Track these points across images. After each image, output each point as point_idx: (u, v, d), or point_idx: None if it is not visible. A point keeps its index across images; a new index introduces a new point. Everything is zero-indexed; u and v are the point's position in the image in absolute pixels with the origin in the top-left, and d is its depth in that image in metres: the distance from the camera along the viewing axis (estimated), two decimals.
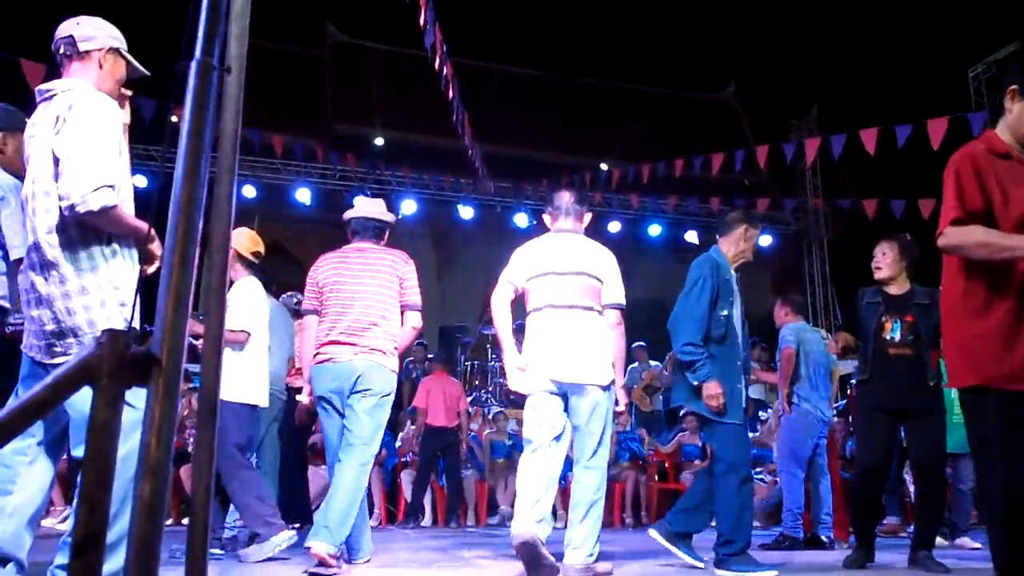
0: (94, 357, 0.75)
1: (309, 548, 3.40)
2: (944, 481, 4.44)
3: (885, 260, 4.15)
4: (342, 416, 3.64)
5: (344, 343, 3.64)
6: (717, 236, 4.06)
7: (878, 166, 9.71)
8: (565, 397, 3.48)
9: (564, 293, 3.51)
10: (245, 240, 4.45)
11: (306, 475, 6.08)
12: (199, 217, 0.89)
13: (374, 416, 3.60)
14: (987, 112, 10.54)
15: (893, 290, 4.15)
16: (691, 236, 13.50)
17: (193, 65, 0.95)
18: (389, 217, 4.14)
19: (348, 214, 4.13)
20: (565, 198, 3.76)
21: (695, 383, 3.66)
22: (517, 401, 9.97)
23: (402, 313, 3.86)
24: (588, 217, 3.82)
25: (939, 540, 5.35)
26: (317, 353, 3.73)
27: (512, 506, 7.84)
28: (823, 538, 5.29)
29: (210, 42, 0.96)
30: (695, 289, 3.74)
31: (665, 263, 14.48)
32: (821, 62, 13.37)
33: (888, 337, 4.03)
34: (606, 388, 3.46)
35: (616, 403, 3.57)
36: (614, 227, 13.15)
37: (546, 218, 3.85)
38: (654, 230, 13.38)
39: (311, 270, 4.02)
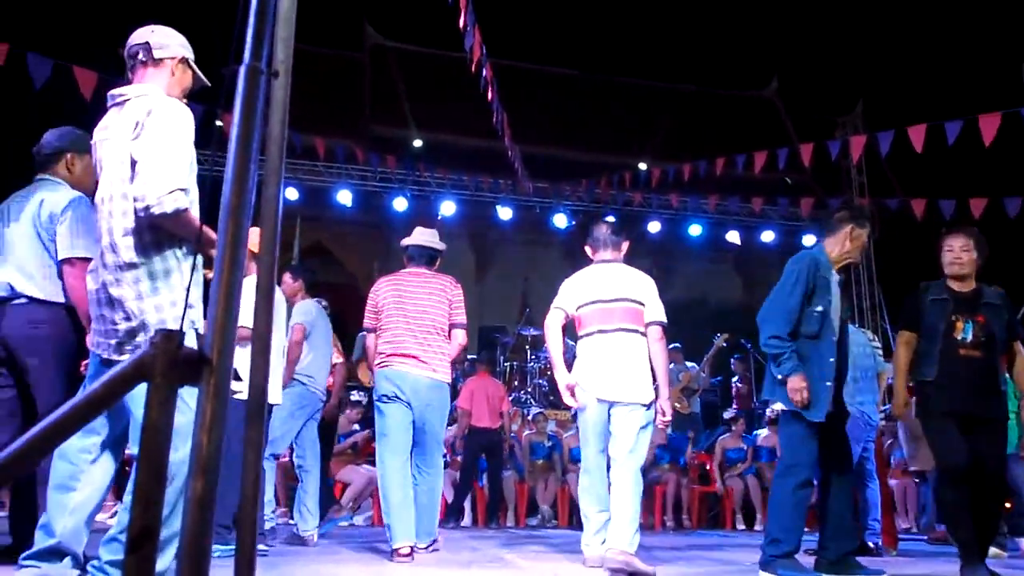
0: (148, 356, 0.77)
1: (403, 548, 4.00)
2: (1005, 491, 4.24)
3: (968, 256, 3.83)
4: (408, 406, 4.20)
5: (408, 355, 4.21)
6: (824, 236, 3.97)
7: (927, 164, 9.46)
8: (610, 412, 3.88)
9: (611, 319, 3.94)
10: (256, 238, 4.51)
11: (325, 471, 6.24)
12: (248, 220, 0.91)
13: (441, 425, 4.34)
14: None
15: (961, 287, 3.86)
16: (732, 236, 13.31)
17: (242, 70, 0.97)
18: (441, 246, 4.57)
19: (405, 241, 4.59)
20: (603, 230, 4.20)
21: (779, 376, 3.60)
22: (556, 402, 9.95)
23: (450, 330, 4.39)
24: (626, 245, 4.21)
25: (995, 550, 5.19)
26: (382, 363, 4.28)
27: (552, 507, 7.92)
28: (870, 544, 5.17)
29: (258, 46, 0.97)
30: (788, 283, 3.70)
31: (705, 263, 14.34)
32: (866, 57, 13.11)
33: (959, 338, 3.74)
34: (647, 406, 3.86)
35: (663, 413, 3.95)
36: (654, 227, 13.03)
37: (587, 250, 4.25)
38: (694, 230, 13.21)
39: (371, 292, 4.50)
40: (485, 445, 7.49)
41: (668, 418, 4.01)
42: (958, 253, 3.85)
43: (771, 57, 14.45)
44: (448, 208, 12.59)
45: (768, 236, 13.34)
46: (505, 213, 12.75)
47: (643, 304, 3.97)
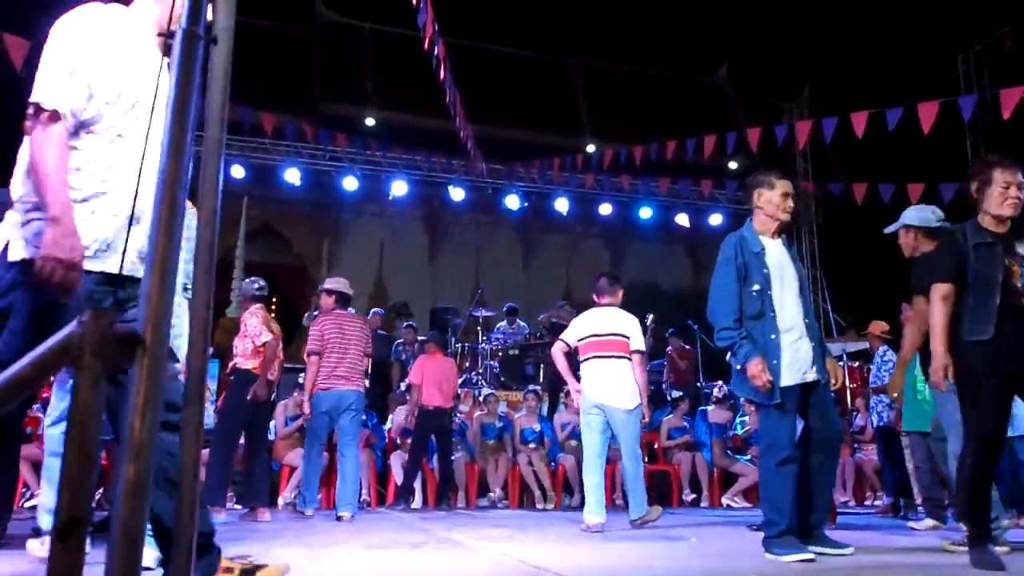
0: (76, 335, 0.73)
1: (340, 517, 5.66)
2: None
3: None
4: (335, 416, 6.02)
5: (343, 377, 6.00)
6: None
7: (868, 150, 9.70)
8: (606, 415, 5.32)
9: (605, 348, 5.42)
10: None
11: (262, 458, 6.21)
12: (184, 194, 0.87)
13: (358, 424, 6.21)
14: (976, 96, 10.54)
15: (999, 228, 3.32)
16: (682, 219, 13.49)
17: (178, 34, 0.92)
18: (352, 291, 6.47)
19: (329, 287, 6.33)
20: (603, 283, 5.67)
21: (738, 367, 3.52)
22: (507, 383, 9.99)
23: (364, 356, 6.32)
24: (621, 292, 5.66)
25: (931, 523, 5.37)
26: (325, 383, 5.96)
27: (502, 488, 7.96)
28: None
29: (196, 11, 0.92)
30: (720, 272, 3.65)
31: (656, 245, 14.50)
32: (813, 44, 13.35)
33: (1020, 285, 3.18)
34: (633, 410, 5.31)
35: (644, 416, 5.50)
36: (605, 209, 13.11)
37: (595, 296, 5.71)
38: (645, 213, 13.34)
39: (317, 324, 6.19)
40: (435, 426, 7.44)
41: (647, 420, 5.79)
42: (1017, 192, 3.30)
43: (721, 42, 14.61)
44: (399, 188, 12.44)
45: (716, 219, 13.56)
46: (457, 194, 12.67)
47: (628, 337, 5.45)
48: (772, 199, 3.76)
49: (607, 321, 5.52)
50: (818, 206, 14.31)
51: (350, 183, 12.29)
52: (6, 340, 1.89)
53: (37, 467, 6.50)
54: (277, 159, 12.11)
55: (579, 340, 5.55)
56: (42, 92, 1.90)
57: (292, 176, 11.99)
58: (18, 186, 2.00)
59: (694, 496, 8.48)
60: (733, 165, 13.88)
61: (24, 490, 6.44)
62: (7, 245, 1.97)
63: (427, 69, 8.21)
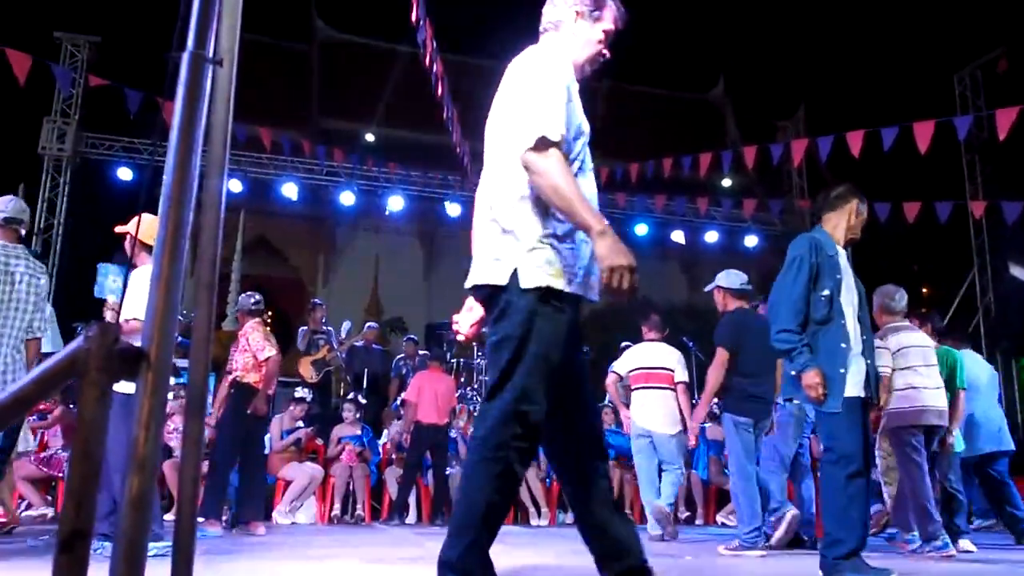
0: (81, 350, 0.74)
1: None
2: None
3: None
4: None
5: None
6: (822, 214, 3.74)
7: (863, 169, 9.78)
8: (652, 439, 5.98)
9: (652, 380, 6.06)
10: (150, 227, 3.99)
11: (258, 472, 6.15)
12: (190, 211, 0.88)
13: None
14: (972, 116, 10.64)
15: None
16: (677, 236, 13.54)
17: (185, 57, 0.94)
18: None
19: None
20: (654, 319, 6.39)
21: (793, 372, 3.37)
22: None
23: None
24: (667, 331, 6.39)
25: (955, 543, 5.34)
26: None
27: None
28: (804, 538, 5.31)
29: (203, 33, 0.95)
30: (791, 271, 3.45)
31: (651, 262, 14.56)
32: (808, 63, 13.46)
33: None
34: (676, 435, 5.95)
35: (690, 439, 6.06)
36: None
37: (644, 329, 6.40)
38: (640, 229, 13.40)
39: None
40: (431, 442, 7.43)
41: (693, 443, 6.31)
42: None
43: (717, 61, 14.74)
44: (396, 203, 12.49)
45: (712, 236, 13.61)
46: (454, 209, 12.70)
47: (673, 371, 6.08)
48: (864, 213, 3.70)
49: (655, 355, 6.16)
50: (813, 224, 14.33)
51: (347, 198, 12.33)
52: (529, 367, 1.99)
53: (32, 482, 6.46)
54: (274, 174, 12.15)
55: (629, 371, 6.17)
56: (543, 124, 2.03)
57: (289, 191, 12.03)
58: (511, 217, 2.09)
59: (688, 514, 8.46)
60: (727, 183, 13.95)
61: (20, 501, 6.39)
62: (514, 272, 2.05)
63: (425, 85, 8.27)
